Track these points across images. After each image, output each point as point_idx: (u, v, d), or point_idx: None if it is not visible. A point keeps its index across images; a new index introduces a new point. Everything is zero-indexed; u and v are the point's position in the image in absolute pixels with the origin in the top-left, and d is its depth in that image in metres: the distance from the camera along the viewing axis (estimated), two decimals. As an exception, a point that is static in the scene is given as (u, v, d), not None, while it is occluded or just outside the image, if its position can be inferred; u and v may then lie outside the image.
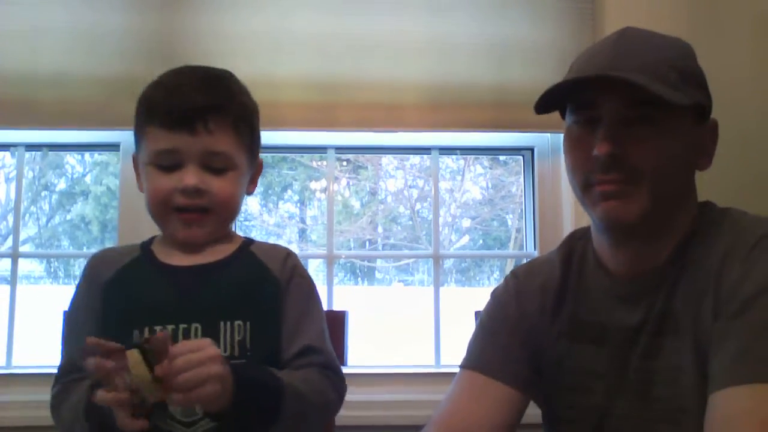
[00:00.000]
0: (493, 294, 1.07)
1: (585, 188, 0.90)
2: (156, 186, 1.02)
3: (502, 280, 1.08)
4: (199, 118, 1.00)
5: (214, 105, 1.02)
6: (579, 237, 1.03)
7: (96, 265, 1.09)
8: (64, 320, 1.10)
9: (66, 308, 1.26)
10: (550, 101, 0.91)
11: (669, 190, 0.87)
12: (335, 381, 1.05)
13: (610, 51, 0.89)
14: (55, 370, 1.06)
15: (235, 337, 1.01)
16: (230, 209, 1.07)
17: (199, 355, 0.84)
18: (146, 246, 1.11)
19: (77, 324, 1.06)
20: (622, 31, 0.92)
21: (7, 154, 2.00)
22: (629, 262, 0.93)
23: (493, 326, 1.02)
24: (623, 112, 0.85)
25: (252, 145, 1.09)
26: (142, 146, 1.06)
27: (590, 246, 0.99)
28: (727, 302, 0.81)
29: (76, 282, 1.10)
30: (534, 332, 0.99)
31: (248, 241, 1.13)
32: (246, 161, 1.08)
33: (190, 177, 1.00)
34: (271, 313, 1.05)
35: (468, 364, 1.01)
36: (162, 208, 1.03)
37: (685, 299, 0.86)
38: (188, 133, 1.00)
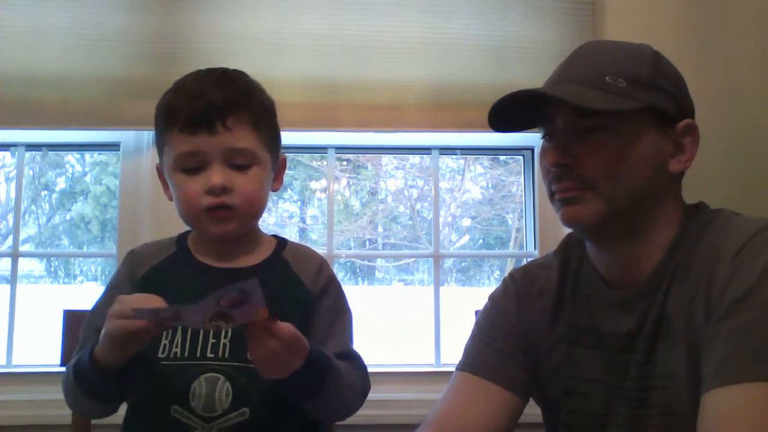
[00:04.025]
0: (491, 297, 1.07)
1: (550, 197, 0.94)
2: (184, 191, 1.03)
3: (500, 284, 1.08)
4: (217, 117, 1.01)
5: (230, 103, 1.03)
6: (575, 243, 1.03)
7: (132, 262, 1.10)
8: (94, 306, 1.09)
9: (67, 307, 1.26)
10: (518, 119, 0.95)
11: (626, 195, 0.88)
12: (363, 377, 1.07)
13: (560, 66, 0.95)
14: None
15: None
16: (257, 205, 1.07)
17: (285, 352, 0.88)
18: (182, 241, 1.12)
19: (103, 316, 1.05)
20: (582, 45, 0.97)
21: (8, 153, 2.00)
22: (619, 266, 0.93)
23: (491, 330, 1.03)
24: (576, 121, 0.88)
25: (273, 141, 1.10)
26: (165, 154, 1.06)
27: (586, 252, 1.00)
28: (717, 304, 0.81)
29: (113, 275, 1.12)
30: (532, 337, 1.00)
31: (281, 245, 1.13)
32: (269, 157, 1.08)
33: (216, 176, 1.01)
34: (300, 323, 1.04)
35: (464, 366, 1.01)
36: (193, 212, 1.04)
37: (678, 304, 0.86)
38: (208, 133, 1.01)
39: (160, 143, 1.07)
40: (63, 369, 1.19)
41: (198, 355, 1.00)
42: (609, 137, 0.87)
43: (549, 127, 0.93)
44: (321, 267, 1.11)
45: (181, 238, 1.12)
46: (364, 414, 1.59)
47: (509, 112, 0.93)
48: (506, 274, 1.09)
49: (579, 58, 0.94)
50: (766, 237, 0.82)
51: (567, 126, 0.89)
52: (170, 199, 1.09)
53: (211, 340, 1.01)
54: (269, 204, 1.12)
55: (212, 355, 1.00)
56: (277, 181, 1.13)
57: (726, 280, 0.81)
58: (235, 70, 1.10)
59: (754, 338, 0.77)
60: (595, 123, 0.87)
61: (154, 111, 1.08)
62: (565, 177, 0.89)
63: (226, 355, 1.00)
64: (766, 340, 0.76)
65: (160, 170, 1.11)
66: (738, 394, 0.76)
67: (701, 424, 0.78)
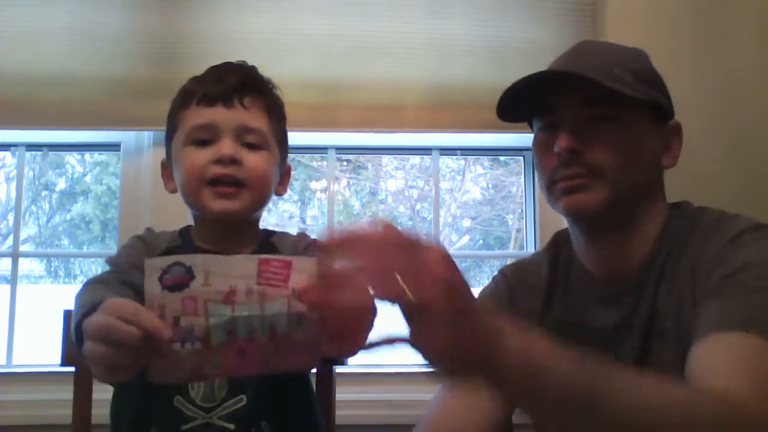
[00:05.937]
0: (482, 294, 1.07)
1: (550, 186, 0.93)
2: (192, 161, 1.04)
3: (490, 281, 1.08)
4: (235, 94, 1.04)
5: (249, 85, 1.06)
6: (564, 240, 1.04)
7: (149, 242, 1.09)
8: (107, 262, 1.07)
9: (67, 307, 1.26)
10: (515, 110, 0.96)
11: (630, 185, 0.89)
12: None
13: (564, 58, 0.96)
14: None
15: None
16: (263, 187, 1.07)
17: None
18: (185, 234, 1.12)
19: (119, 272, 1.01)
20: (578, 44, 0.99)
21: (8, 153, 2.00)
22: (604, 260, 0.95)
23: None
24: (582, 111, 0.89)
25: (282, 137, 1.12)
26: (177, 134, 1.07)
27: (574, 249, 1.00)
28: (703, 291, 0.82)
29: (126, 244, 1.10)
30: None
31: (268, 234, 1.14)
32: (278, 151, 1.09)
33: (227, 147, 1.02)
34: None
35: None
36: (197, 184, 1.04)
37: (668, 302, 0.87)
38: (224, 106, 1.04)
39: (172, 127, 1.08)
40: (63, 369, 1.19)
41: None
42: (615, 127, 0.89)
43: (549, 117, 0.93)
44: (298, 240, 1.12)
45: (184, 231, 1.13)
46: (364, 414, 1.59)
47: (512, 101, 0.94)
48: (496, 271, 1.10)
49: (583, 51, 0.96)
50: (753, 236, 0.84)
51: (574, 114, 0.90)
52: (173, 190, 1.09)
53: None
54: (269, 204, 1.12)
55: None
56: (281, 186, 1.14)
57: (711, 269, 0.82)
58: (252, 65, 1.14)
59: (751, 299, 0.77)
60: (602, 113, 0.88)
61: (170, 104, 1.09)
62: (574, 163, 0.89)
63: None
64: (763, 304, 0.76)
65: (164, 164, 1.11)
66: (740, 340, 0.74)
67: (693, 367, 0.75)
